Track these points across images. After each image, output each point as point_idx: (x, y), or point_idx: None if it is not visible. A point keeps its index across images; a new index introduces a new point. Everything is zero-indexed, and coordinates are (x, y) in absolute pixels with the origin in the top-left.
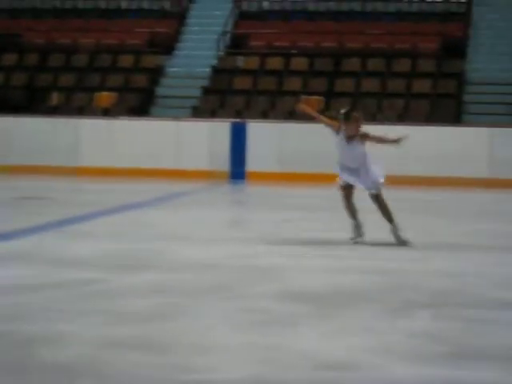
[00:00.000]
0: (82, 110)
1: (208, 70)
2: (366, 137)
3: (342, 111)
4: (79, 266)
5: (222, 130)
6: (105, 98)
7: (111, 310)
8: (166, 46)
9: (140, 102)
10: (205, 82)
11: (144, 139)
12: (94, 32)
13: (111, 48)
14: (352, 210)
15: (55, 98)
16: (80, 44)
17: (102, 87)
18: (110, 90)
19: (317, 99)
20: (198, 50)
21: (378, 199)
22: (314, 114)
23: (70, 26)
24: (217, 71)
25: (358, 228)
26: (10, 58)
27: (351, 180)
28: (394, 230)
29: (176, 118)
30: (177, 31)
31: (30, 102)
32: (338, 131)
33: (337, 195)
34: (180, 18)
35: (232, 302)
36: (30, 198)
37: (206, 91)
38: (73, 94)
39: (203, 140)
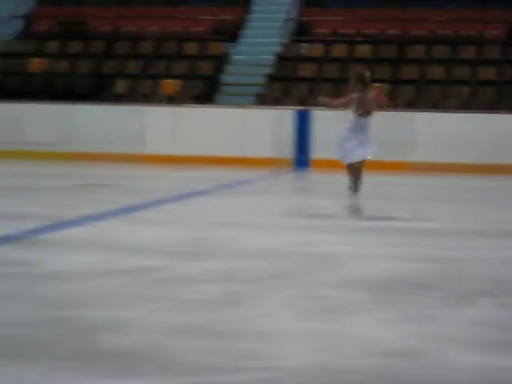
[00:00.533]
0: (147, 98)
1: (272, 57)
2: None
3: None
4: (144, 253)
5: (285, 117)
6: (170, 85)
7: (175, 297)
8: (231, 33)
9: (205, 89)
10: (269, 70)
11: (208, 127)
12: (159, 19)
13: (176, 35)
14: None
15: (121, 86)
16: (145, 32)
17: (167, 75)
18: (175, 77)
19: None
20: (262, 38)
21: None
22: (330, 101)
23: (135, 14)
24: (281, 58)
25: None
26: (76, 46)
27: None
28: (356, 199)
29: (240, 105)
30: (241, 18)
31: (96, 90)
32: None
33: (416, 185)
34: (245, 5)
35: (294, 290)
36: (94, 186)
37: (270, 79)
38: (138, 82)
39: (267, 128)
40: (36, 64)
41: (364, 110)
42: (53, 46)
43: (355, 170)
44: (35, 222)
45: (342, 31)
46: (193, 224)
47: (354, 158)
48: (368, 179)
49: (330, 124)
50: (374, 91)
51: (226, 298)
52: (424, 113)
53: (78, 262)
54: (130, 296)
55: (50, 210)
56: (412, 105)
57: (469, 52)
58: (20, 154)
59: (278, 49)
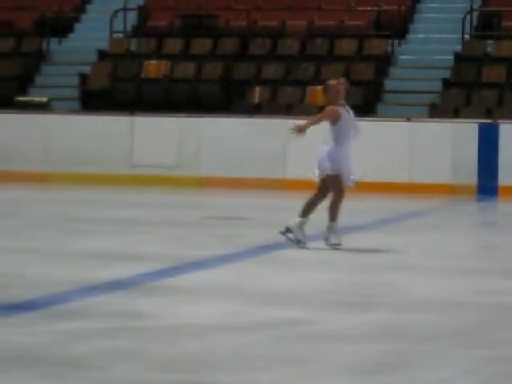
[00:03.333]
0: (290, 109)
1: (450, 57)
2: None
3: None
4: (284, 303)
5: (467, 133)
6: (319, 93)
7: (323, 358)
8: (397, 28)
9: (364, 97)
10: (446, 73)
11: (367, 144)
12: (306, 12)
13: (327, 31)
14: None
15: (258, 94)
16: (288, 27)
17: (316, 80)
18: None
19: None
20: (436, 33)
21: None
22: (310, 122)
23: (275, 5)
24: (461, 59)
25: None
26: (203, 45)
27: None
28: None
29: (409, 118)
30: (410, 9)
31: (227, 99)
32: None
33: None
34: None
35: (476, 350)
36: (224, 219)
37: (448, 84)
38: (279, 89)
39: (444, 146)
40: (153, 67)
41: None
42: (173, 45)
43: None
44: (152, 264)
45: None
46: (345, 267)
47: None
48: None
49: None
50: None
51: (387, 359)
52: None
53: (202, 314)
54: (267, 356)
55: (169, 249)
56: None
57: None
58: (132, 178)
59: (456, 47)
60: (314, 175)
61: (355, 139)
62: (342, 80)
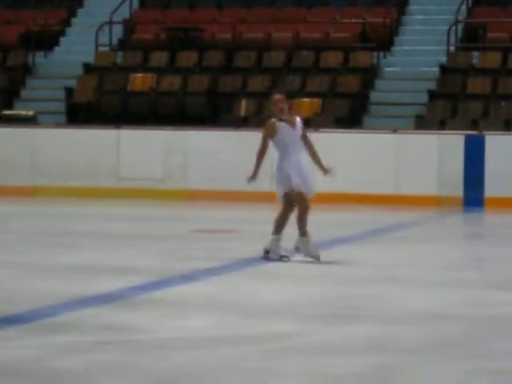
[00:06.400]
0: None
1: (435, 69)
2: (305, 137)
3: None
4: (274, 316)
5: (453, 145)
6: (305, 105)
7: (313, 372)
8: (382, 40)
9: (350, 109)
10: (431, 85)
11: (354, 157)
12: (291, 24)
13: (313, 44)
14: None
15: (244, 107)
16: (274, 39)
17: (301, 92)
18: (311, 95)
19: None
20: (421, 45)
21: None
22: (257, 166)
23: (260, 18)
24: (446, 71)
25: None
26: (189, 58)
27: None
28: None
29: (395, 129)
30: (395, 21)
31: (213, 112)
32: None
33: None
34: (399, 4)
35: (465, 362)
36: (212, 231)
37: (433, 96)
38: (265, 102)
39: (430, 158)
40: (139, 80)
41: None
42: (159, 58)
43: None
44: (141, 278)
45: None
46: (334, 279)
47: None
48: None
49: (509, 153)
50: None
51: (376, 372)
52: None
53: (190, 327)
54: (257, 370)
55: (157, 262)
56: None
57: None
58: (118, 192)
59: (442, 59)
60: (278, 195)
61: (302, 151)
62: (283, 100)
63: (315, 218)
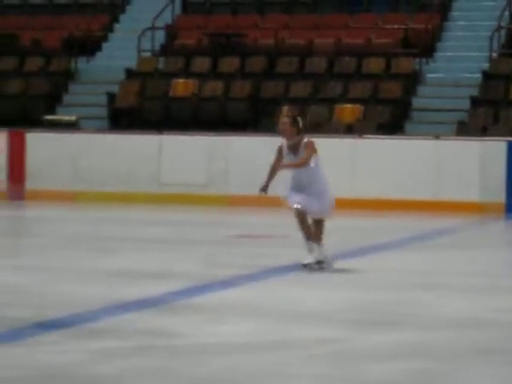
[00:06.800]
0: (318, 127)
1: (478, 75)
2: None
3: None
4: (313, 322)
5: (495, 150)
6: (347, 111)
7: (353, 378)
8: (424, 46)
9: (392, 116)
10: (474, 91)
11: (395, 163)
12: (333, 30)
13: (355, 50)
14: (310, 230)
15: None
16: (316, 45)
17: (343, 98)
18: (353, 101)
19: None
20: (464, 51)
21: (321, 224)
22: (268, 178)
23: (303, 24)
24: (489, 77)
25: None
26: (231, 63)
27: (303, 202)
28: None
29: (437, 136)
30: (438, 27)
31: (256, 118)
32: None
33: None
34: (441, 10)
35: (503, 368)
36: (253, 237)
37: (475, 102)
38: (307, 107)
39: (472, 164)
40: (181, 86)
41: None
42: (201, 63)
43: None
44: (180, 283)
45: None
46: (374, 285)
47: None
48: None
49: None
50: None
51: (415, 378)
52: None
53: (230, 333)
54: (297, 375)
55: (197, 267)
56: None
57: None
58: (159, 197)
59: (484, 65)
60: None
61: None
62: (285, 119)
63: (355, 223)
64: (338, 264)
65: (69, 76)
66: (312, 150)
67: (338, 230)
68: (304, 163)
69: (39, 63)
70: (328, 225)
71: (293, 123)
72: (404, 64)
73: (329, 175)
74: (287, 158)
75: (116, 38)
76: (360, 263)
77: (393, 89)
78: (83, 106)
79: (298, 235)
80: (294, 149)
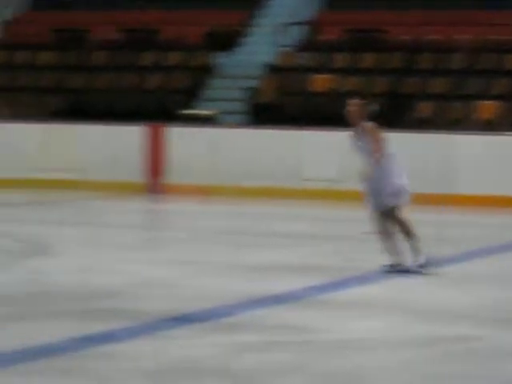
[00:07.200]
0: (457, 124)
1: None
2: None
3: None
4: (448, 319)
5: None
6: (487, 108)
7: (489, 374)
8: None
9: None
10: None
11: None
12: (474, 26)
13: (495, 46)
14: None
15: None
16: (455, 41)
17: (483, 95)
18: (493, 98)
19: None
20: None
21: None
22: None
23: (442, 19)
24: None
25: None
26: (369, 59)
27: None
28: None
29: None
30: None
31: (394, 113)
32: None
33: None
34: None
35: None
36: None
37: None
38: (446, 104)
39: None
40: (320, 81)
41: None
42: (341, 59)
43: None
44: (317, 278)
45: None
46: (508, 284)
47: None
48: None
49: None
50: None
51: None
52: None
53: (370, 329)
54: (432, 374)
55: (332, 263)
56: None
57: None
58: (301, 192)
59: None
60: None
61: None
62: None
63: (494, 220)
64: (476, 260)
65: (208, 71)
66: (374, 136)
67: (472, 226)
68: (377, 153)
69: (179, 58)
70: (461, 221)
71: (360, 110)
72: None
73: (471, 170)
74: (355, 145)
75: (255, 33)
76: (494, 260)
77: None
78: (222, 101)
79: (431, 232)
80: (359, 135)
